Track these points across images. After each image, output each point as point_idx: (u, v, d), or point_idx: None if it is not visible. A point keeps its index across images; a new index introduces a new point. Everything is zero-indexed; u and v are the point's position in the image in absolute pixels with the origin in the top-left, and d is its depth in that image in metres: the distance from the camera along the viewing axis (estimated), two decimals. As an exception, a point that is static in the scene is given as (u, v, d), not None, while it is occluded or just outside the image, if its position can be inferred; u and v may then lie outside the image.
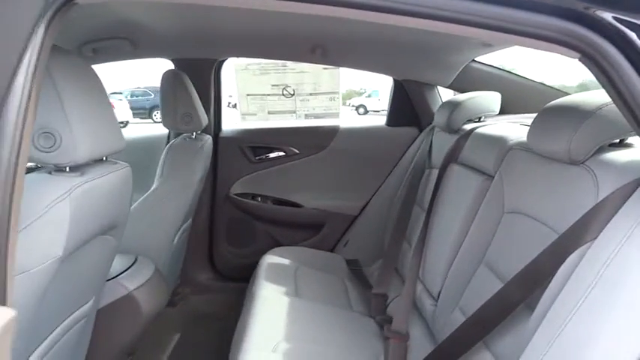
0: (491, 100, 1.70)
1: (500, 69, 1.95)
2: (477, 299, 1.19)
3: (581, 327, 0.77)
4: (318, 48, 1.85)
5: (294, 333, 1.38)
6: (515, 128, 1.44)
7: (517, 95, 1.84)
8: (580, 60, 0.74)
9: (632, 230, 0.77)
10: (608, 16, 0.70)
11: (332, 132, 2.20)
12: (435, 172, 1.78)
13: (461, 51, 1.87)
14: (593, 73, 0.74)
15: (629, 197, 0.82)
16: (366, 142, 2.22)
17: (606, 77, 0.72)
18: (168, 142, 2.07)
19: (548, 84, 1.96)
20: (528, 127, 1.49)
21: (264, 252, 2.03)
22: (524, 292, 0.97)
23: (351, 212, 2.22)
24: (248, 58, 2.13)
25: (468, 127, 1.66)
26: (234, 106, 2.30)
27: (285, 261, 1.94)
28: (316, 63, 2.04)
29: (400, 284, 1.74)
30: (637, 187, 0.82)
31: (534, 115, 1.78)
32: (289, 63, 2.16)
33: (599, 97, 0.97)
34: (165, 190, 1.70)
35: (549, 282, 0.90)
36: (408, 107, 2.15)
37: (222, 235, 2.26)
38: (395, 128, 2.20)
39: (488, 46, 1.69)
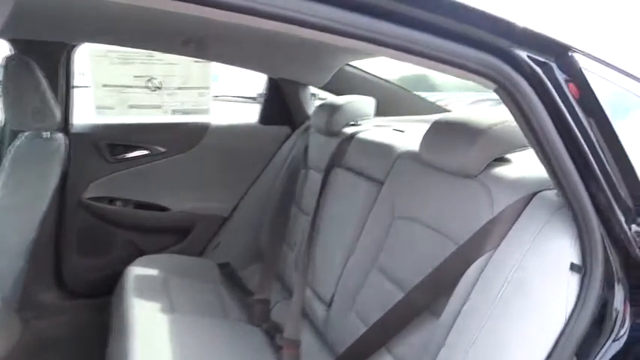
0: (368, 104, 1.76)
1: (370, 74, 2.04)
2: (373, 303, 1.23)
3: (497, 327, 0.84)
4: (191, 41, 1.71)
5: (182, 354, 1.28)
6: (397, 136, 1.52)
7: (385, 99, 1.94)
8: (496, 91, 0.80)
9: (532, 240, 0.86)
10: (523, 54, 0.76)
11: (202, 129, 2.07)
12: (314, 174, 1.80)
13: (336, 54, 1.90)
14: (505, 102, 0.80)
15: (524, 210, 0.91)
16: (237, 140, 2.14)
17: (517, 107, 0.78)
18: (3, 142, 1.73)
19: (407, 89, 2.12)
20: (403, 133, 1.61)
21: (124, 262, 1.83)
22: (429, 299, 1.03)
23: (221, 213, 2.12)
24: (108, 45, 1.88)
25: (348, 130, 1.70)
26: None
27: (154, 271, 1.78)
28: (188, 56, 1.89)
29: (282, 289, 1.73)
30: (529, 202, 0.92)
31: (401, 118, 1.94)
32: (156, 52, 1.96)
33: (488, 116, 1.06)
34: (11, 204, 1.42)
35: (453, 289, 0.97)
36: (281, 106, 2.13)
37: (73, 247, 1.98)
38: (268, 127, 2.16)
39: (365, 52, 1.75)
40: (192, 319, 1.51)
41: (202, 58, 1.99)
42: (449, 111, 2.17)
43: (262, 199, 2.06)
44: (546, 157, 0.79)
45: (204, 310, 1.61)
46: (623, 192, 0.78)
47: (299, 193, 1.85)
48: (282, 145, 2.12)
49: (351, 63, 2.00)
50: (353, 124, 1.77)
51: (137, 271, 1.75)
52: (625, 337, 0.78)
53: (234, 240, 2.09)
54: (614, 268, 0.79)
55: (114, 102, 1.99)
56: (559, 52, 0.77)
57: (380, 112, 1.86)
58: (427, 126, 1.79)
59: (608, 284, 0.79)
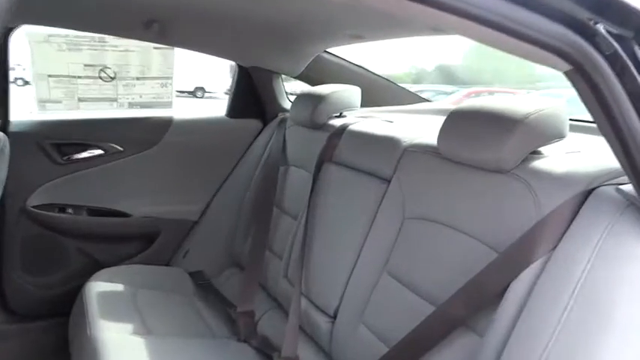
0: (354, 94, 1.63)
1: (348, 61, 1.90)
2: (388, 315, 1.10)
3: (570, 353, 0.73)
4: (154, 23, 1.50)
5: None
6: (393, 128, 1.39)
7: (365, 89, 1.82)
8: (568, 73, 0.68)
9: (598, 245, 0.75)
10: (602, 28, 0.65)
11: (164, 124, 1.85)
12: (297, 171, 1.64)
13: (313, 41, 1.75)
14: (578, 87, 0.69)
15: (580, 210, 0.81)
16: (205, 135, 1.94)
17: (595, 92, 0.67)
18: None
19: (389, 79, 2.01)
20: (394, 124, 1.49)
21: (80, 277, 1.61)
22: (466, 313, 0.91)
23: (189, 217, 1.92)
24: (50, 28, 1.61)
25: (335, 122, 1.56)
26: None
27: (118, 286, 1.57)
28: (151, 41, 1.67)
29: (267, 299, 1.57)
30: (584, 199, 0.82)
31: (386, 109, 1.82)
32: (109, 38, 1.71)
33: (522, 103, 0.96)
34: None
35: (497, 303, 0.86)
36: (252, 97, 1.95)
37: (16, 262, 1.71)
38: (237, 120, 1.98)
39: (352, 37, 1.61)
40: (171, 341, 1.33)
41: (165, 44, 1.77)
42: (429, 101, 2.08)
43: (236, 200, 1.87)
44: (624, 145, 0.68)
45: (183, 328, 1.43)
46: None
47: (280, 192, 1.69)
48: (255, 140, 1.95)
49: (329, 50, 1.85)
50: (338, 116, 1.63)
51: (98, 286, 1.53)
52: None
53: (205, 246, 1.90)
54: None
55: (60, 95, 1.73)
56: (640, 26, 0.67)
57: (361, 102, 1.74)
58: (415, 117, 1.73)
59: None
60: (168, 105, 1.89)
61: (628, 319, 0.71)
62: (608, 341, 0.71)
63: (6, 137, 1.35)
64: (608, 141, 0.71)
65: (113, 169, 1.79)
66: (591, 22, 0.65)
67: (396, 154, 1.22)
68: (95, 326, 1.31)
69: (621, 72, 0.66)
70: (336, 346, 1.22)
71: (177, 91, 2.93)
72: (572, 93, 0.72)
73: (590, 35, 0.64)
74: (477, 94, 8.14)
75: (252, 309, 1.52)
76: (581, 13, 0.63)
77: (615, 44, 0.66)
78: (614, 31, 0.66)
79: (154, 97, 1.84)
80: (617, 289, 0.72)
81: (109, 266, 1.68)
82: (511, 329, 0.82)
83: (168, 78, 1.84)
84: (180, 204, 1.90)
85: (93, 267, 1.68)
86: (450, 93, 9.67)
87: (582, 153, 0.97)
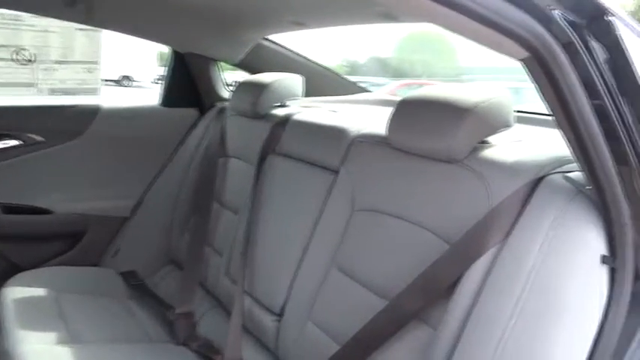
0: (297, 83, 1.57)
1: (289, 50, 1.84)
2: (337, 310, 1.07)
3: (524, 339, 0.73)
4: (78, 0, 1.36)
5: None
6: (338, 117, 1.36)
7: (308, 79, 1.77)
8: (525, 60, 0.67)
9: (549, 233, 0.76)
10: (558, 14, 0.64)
11: (90, 113, 1.71)
12: (238, 163, 1.57)
13: (253, 26, 1.68)
14: (535, 75, 0.68)
15: (531, 198, 0.81)
16: (136, 125, 1.81)
17: (549, 78, 0.67)
18: None
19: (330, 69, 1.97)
20: (338, 114, 1.46)
21: None
22: (419, 306, 0.89)
23: (119, 214, 1.79)
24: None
25: (278, 112, 1.50)
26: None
27: (39, 290, 1.43)
28: (74, 21, 1.52)
29: (206, 298, 1.49)
30: (535, 187, 0.82)
31: (328, 98, 1.78)
32: (26, 16, 1.54)
33: (470, 92, 0.95)
34: None
35: (450, 295, 0.84)
36: (188, 85, 1.84)
37: None
38: (171, 109, 1.86)
39: (293, 24, 1.55)
40: (102, 348, 1.22)
41: (91, 25, 1.63)
42: (369, 91, 2.07)
43: (171, 194, 1.77)
44: (576, 132, 0.69)
45: (114, 334, 1.32)
46: None
47: (219, 185, 1.60)
48: (191, 131, 1.84)
49: (269, 37, 1.78)
50: (280, 106, 1.57)
51: (15, 292, 1.39)
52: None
53: (137, 244, 1.78)
54: None
55: (-31, 79, 1.55)
56: (594, 15, 0.67)
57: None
58: (358, 107, 1.70)
59: (638, 274, 0.72)
60: (94, 92, 1.75)
61: (579, 305, 0.72)
62: (560, 328, 0.71)
63: None
64: (561, 128, 0.71)
65: (32, 162, 1.63)
66: (548, 8, 0.64)
67: (343, 144, 1.18)
68: (13, 338, 1.17)
69: (575, 60, 0.66)
70: (283, 345, 1.17)
71: (102, 80, 2.75)
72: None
73: (547, 22, 0.64)
74: (409, 86, 8.32)
75: (192, 310, 1.43)
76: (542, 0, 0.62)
77: (570, 32, 0.65)
78: (570, 17, 0.65)
79: (78, 84, 1.70)
80: (567, 277, 0.73)
81: (27, 269, 1.53)
82: (465, 321, 0.81)
83: (94, 63, 1.70)
84: (110, 199, 1.77)
85: (9, 270, 1.52)
86: (382, 85, 9.86)
87: (528, 142, 0.98)
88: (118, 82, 11.30)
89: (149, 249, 1.76)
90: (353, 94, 1.89)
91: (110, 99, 1.94)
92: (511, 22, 0.62)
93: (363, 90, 2.00)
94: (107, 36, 1.65)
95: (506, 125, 0.95)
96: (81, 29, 1.66)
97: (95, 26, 1.66)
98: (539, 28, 0.64)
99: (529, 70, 0.68)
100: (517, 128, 1.00)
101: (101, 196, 1.75)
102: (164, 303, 1.52)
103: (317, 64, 1.89)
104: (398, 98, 1.56)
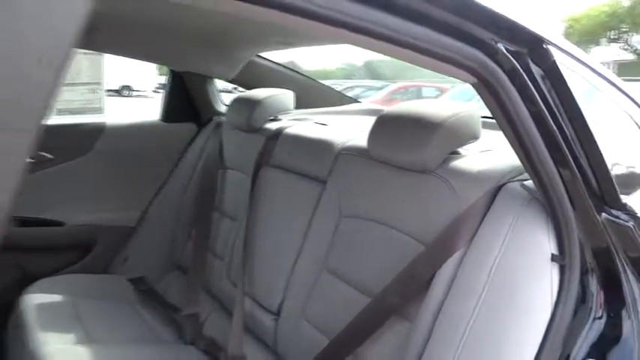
0: (288, 98, 1.68)
1: (280, 64, 1.95)
2: (328, 309, 1.18)
3: (484, 330, 0.84)
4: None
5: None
6: (326, 130, 1.47)
7: (296, 91, 1.88)
8: (475, 84, 0.78)
9: (507, 235, 0.86)
10: (501, 46, 0.75)
11: (96, 131, 1.82)
12: (235, 174, 1.68)
13: (246, 45, 1.79)
14: (483, 96, 0.79)
15: (492, 204, 0.92)
16: (139, 141, 1.92)
17: (497, 100, 0.78)
18: None
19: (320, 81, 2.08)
20: (327, 127, 1.57)
21: (12, 291, 1.56)
22: (398, 302, 1.00)
23: (127, 224, 1.90)
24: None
25: (271, 126, 1.61)
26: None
27: (57, 297, 1.54)
28: (78, 47, 1.63)
29: (211, 301, 1.60)
30: (496, 195, 0.93)
31: (317, 110, 1.89)
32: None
33: (440, 108, 1.06)
34: None
35: (425, 291, 0.95)
36: (186, 101, 1.96)
37: None
38: (171, 125, 1.98)
39: (281, 44, 1.66)
40: (117, 349, 1.33)
41: (92, 50, 1.74)
42: (359, 101, 2.18)
43: (174, 204, 1.88)
44: (524, 147, 0.79)
45: (127, 336, 1.43)
46: (593, 180, 0.82)
47: (219, 195, 1.71)
48: (191, 144, 1.95)
49: (261, 54, 1.89)
50: (273, 119, 1.68)
51: (35, 298, 1.50)
52: (605, 317, 0.83)
53: (144, 252, 1.89)
54: (586, 256, 0.83)
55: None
56: (533, 44, 0.78)
57: (295, 104, 1.80)
58: (346, 117, 1.81)
59: (583, 271, 0.83)
60: (98, 111, 1.86)
61: (532, 300, 0.82)
62: (514, 320, 0.82)
63: None
64: (511, 144, 0.82)
65: (43, 178, 1.73)
66: (492, 42, 0.75)
67: (330, 156, 1.29)
68: (36, 339, 1.28)
69: (519, 84, 0.77)
70: (281, 341, 1.28)
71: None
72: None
73: (493, 53, 0.74)
74: (405, 88, 8.43)
75: (197, 311, 1.54)
76: (484, 34, 0.73)
77: (513, 60, 0.76)
78: (512, 48, 0.76)
79: (83, 104, 1.81)
80: (522, 274, 0.83)
81: (42, 278, 1.64)
82: (437, 314, 0.92)
83: (97, 84, 1.82)
84: (117, 211, 1.88)
85: (26, 280, 1.63)
86: (380, 88, 9.95)
87: (494, 151, 1.08)
88: (118, 92, 11.39)
89: (155, 256, 1.87)
90: (343, 104, 2.00)
91: (118, 111, 2.04)
92: (457, 53, 0.72)
93: (353, 100, 2.11)
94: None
95: (474, 137, 1.06)
96: (85, 54, 1.76)
97: (95, 50, 1.77)
98: (484, 58, 0.74)
99: (478, 92, 0.79)
100: (488, 135, 1.11)
101: (109, 207, 1.86)
102: (171, 306, 1.63)
103: (308, 77, 2.00)
104: (384, 108, 1.67)
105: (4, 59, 0.34)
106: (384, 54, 0.75)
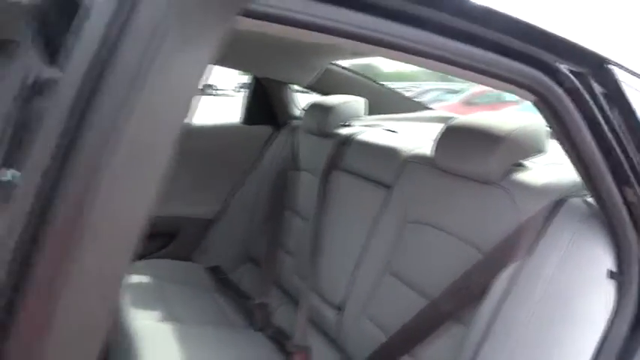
0: (360, 105, 1.76)
1: (354, 72, 2.03)
2: (389, 308, 1.24)
3: (537, 339, 0.87)
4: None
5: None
6: (396, 138, 1.53)
7: (369, 98, 1.95)
8: (535, 102, 0.82)
9: (565, 249, 0.89)
10: (563, 66, 0.78)
11: (184, 131, 1.99)
12: (308, 176, 1.78)
13: (322, 53, 1.89)
14: (543, 114, 0.82)
15: (554, 217, 0.94)
16: (220, 141, 2.09)
17: (557, 119, 0.81)
18: None
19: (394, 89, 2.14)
20: (397, 134, 1.62)
21: None
22: (455, 307, 1.04)
23: (207, 216, 2.07)
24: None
25: (342, 131, 1.69)
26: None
27: (146, 278, 1.72)
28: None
29: (281, 293, 1.71)
30: (556, 209, 0.95)
31: (388, 117, 1.95)
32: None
33: (506, 120, 1.09)
34: None
35: (481, 298, 0.99)
36: (265, 106, 2.09)
37: None
38: (250, 127, 2.12)
39: (353, 54, 1.74)
40: (195, 329, 1.48)
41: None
42: (430, 108, 2.21)
43: (250, 201, 2.02)
44: (583, 165, 0.82)
45: (204, 318, 1.58)
46: None
47: (292, 195, 1.83)
48: (267, 146, 2.09)
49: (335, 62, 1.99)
50: (345, 125, 1.77)
51: (129, 278, 1.69)
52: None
53: (222, 243, 2.05)
54: None
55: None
56: (596, 65, 0.80)
57: (367, 109, 1.87)
58: (418, 125, 1.86)
59: None
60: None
61: (586, 314, 0.84)
62: (568, 331, 0.84)
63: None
64: (571, 160, 0.84)
65: None
66: (553, 63, 0.78)
67: (398, 163, 1.35)
68: (127, 315, 1.46)
69: (580, 103, 0.79)
70: (342, 335, 1.36)
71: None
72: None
73: (554, 73, 0.78)
74: (484, 92, 8.18)
75: (267, 302, 1.66)
76: (544, 55, 0.77)
77: (574, 80, 0.79)
78: (573, 68, 0.79)
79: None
80: (578, 289, 0.86)
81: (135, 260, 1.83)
82: (492, 320, 0.95)
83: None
84: (199, 204, 2.04)
85: None
86: (458, 91, 9.72)
87: (559, 165, 1.10)
88: (202, 91, 12.08)
89: (232, 248, 2.02)
90: (414, 110, 2.04)
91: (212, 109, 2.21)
92: (517, 74, 0.77)
93: (424, 107, 2.15)
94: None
95: (539, 151, 1.08)
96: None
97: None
98: (545, 78, 0.78)
99: (538, 109, 0.82)
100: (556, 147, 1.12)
101: (192, 201, 2.03)
102: (244, 294, 1.77)
103: (380, 84, 2.06)
104: (454, 115, 1.70)
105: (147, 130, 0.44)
106: (447, 74, 0.81)
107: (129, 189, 0.42)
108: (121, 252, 0.43)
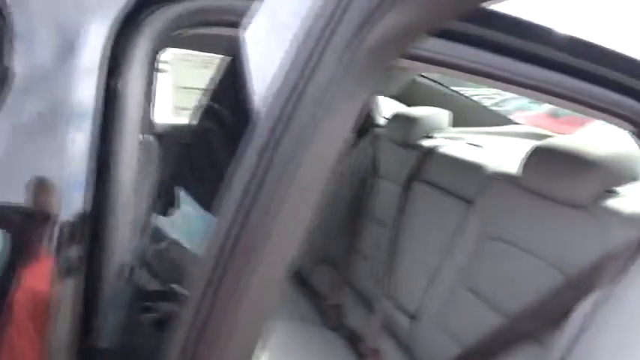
0: (444, 117, 1.78)
1: (439, 83, 2.05)
2: (463, 322, 1.26)
3: None
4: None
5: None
6: (479, 152, 1.53)
7: (453, 110, 1.95)
8: (633, 133, 0.81)
9: None
10: None
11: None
12: (388, 184, 1.82)
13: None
14: None
15: None
16: None
17: None
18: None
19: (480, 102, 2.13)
20: (482, 149, 1.62)
21: None
22: (533, 327, 1.05)
23: None
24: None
25: (425, 143, 1.72)
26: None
27: None
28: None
29: (355, 297, 1.76)
30: None
31: (471, 130, 1.94)
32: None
33: (600, 144, 1.08)
34: None
35: (563, 321, 0.99)
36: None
37: None
38: (334, 132, 2.19)
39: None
40: (277, 323, 1.56)
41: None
42: (516, 123, 2.18)
43: (330, 204, 2.09)
44: None
45: (282, 314, 1.67)
46: None
47: (370, 202, 1.88)
48: (350, 151, 2.15)
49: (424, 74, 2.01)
50: (428, 137, 1.79)
51: None
52: None
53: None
54: None
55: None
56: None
57: (451, 122, 1.88)
58: (501, 139, 1.84)
59: None
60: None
61: None
62: None
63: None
64: None
65: None
66: None
67: (481, 179, 1.36)
68: None
69: None
70: (414, 343, 1.40)
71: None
72: None
73: None
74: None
75: (341, 303, 1.73)
76: (637, 84, 0.77)
77: None
78: None
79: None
80: None
81: None
82: (573, 345, 0.95)
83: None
84: None
85: None
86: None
87: None
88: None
89: (310, 250, 2.11)
90: (500, 125, 2.03)
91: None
92: (611, 104, 0.77)
93: (510, 121, 2.12)
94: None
95: (633, 178, 1.06)
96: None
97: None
98: None
99: (637, 140, 0.82)
100: None
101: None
102: (320, 294, 1.84)
103: (466, 97, 2.06)
104: (541, 131, 1.68)
105: None
106: (545, 102, 0.84)
107: (293, 220, 0.46)
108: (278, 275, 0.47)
